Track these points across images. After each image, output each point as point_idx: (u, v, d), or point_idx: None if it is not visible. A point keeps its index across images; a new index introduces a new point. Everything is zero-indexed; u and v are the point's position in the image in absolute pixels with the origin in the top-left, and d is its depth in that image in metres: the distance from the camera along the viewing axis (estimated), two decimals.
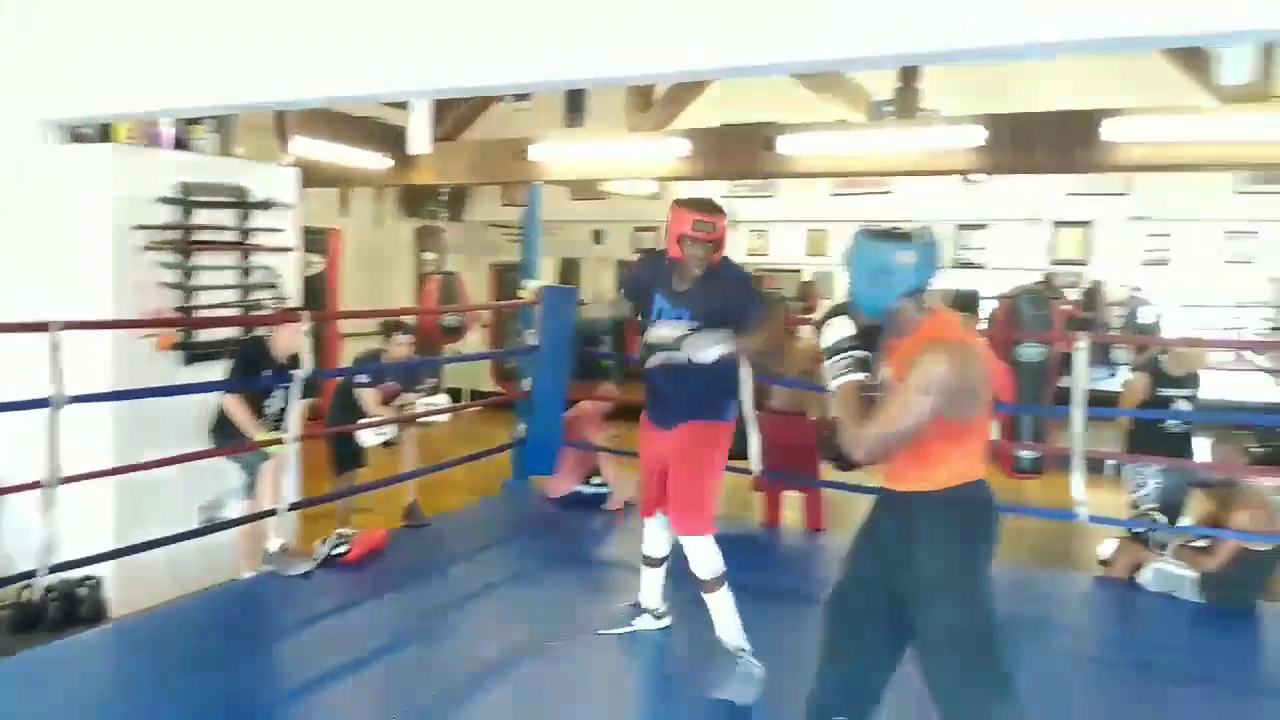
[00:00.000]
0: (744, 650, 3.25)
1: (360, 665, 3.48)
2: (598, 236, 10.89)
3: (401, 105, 4.55)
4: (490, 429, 6.63)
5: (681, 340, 3.12)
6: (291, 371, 4.22)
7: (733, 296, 3.19)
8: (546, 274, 10.04)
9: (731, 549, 5.05)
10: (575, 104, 5.20)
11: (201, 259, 4.72)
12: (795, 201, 9.42)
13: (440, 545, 4.90)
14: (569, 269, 11.47)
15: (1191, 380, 5.17)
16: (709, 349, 3.04)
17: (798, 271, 12.85)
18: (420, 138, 3.20)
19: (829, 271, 10.46)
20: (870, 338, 2.34)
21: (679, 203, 3.23)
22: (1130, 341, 10.95)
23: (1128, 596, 4.43)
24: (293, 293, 5.15)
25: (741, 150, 5.75)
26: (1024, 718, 2.20)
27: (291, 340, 4.33)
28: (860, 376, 2.25)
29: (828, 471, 5.53)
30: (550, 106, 5.96)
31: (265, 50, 3.28)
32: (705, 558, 3.28)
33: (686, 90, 6.12)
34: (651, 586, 3.75)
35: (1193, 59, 4.75)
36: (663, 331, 3.25)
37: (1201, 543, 4.38)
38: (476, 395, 10.25)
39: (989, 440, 2.41)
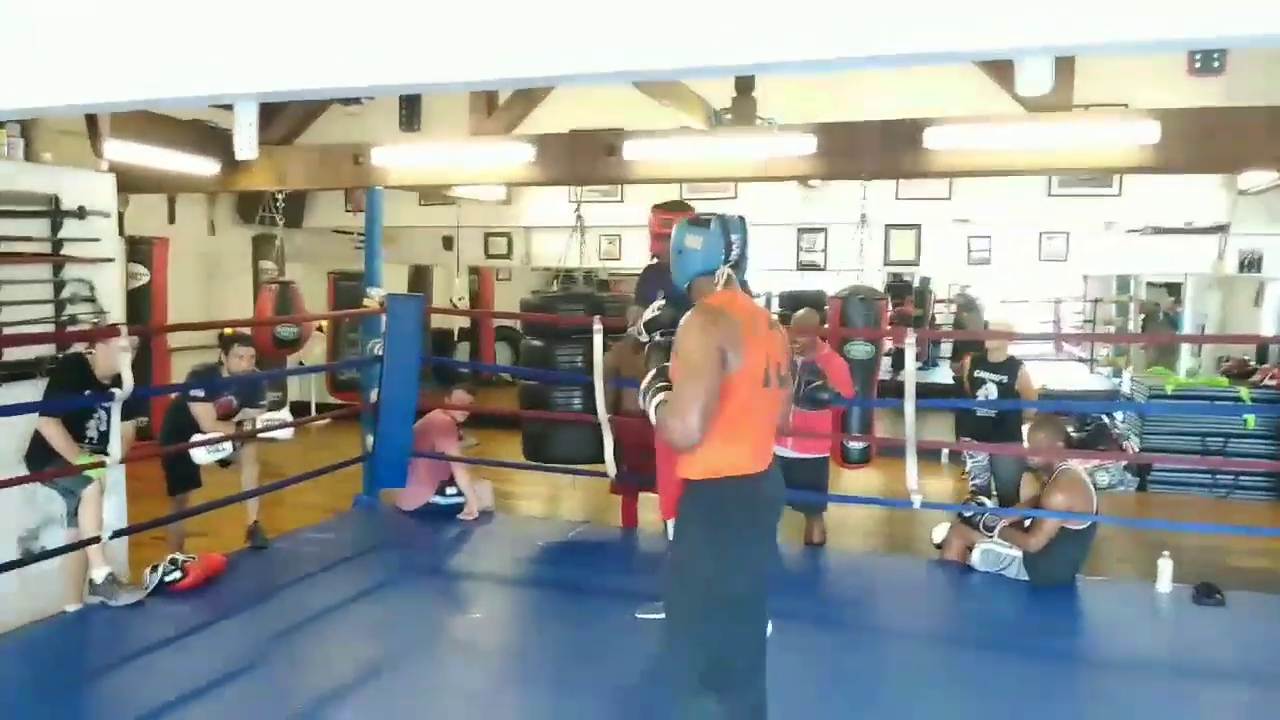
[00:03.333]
0: None
1: (197, 697, 3.31)
2: (448, 243, 10.72)
3: (230, 107, 4.34)
4: (341, 443, 6.42)
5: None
6: (112, 390, 3.98)
7: None
8: (397, 281, 9.81)
9: (593, 552, 5.13)
10: (411, 109, 5.10)
11: (8, 271, 4.37)
12: (645, 206, 9.52)
13: (285, 566, 4.71)
14: (419, 276, 11.24)
15: (1006, 366, 5.63)
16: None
17: None
18: (246, 142, 3.06)
19: None
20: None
21: (653, 207, 3.81)
22: (954, 336, 11.70)
23: (960, 577, 4.71)
24: (113, 306, 4.84)
25: (587, 156, 5.78)
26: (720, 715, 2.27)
27: (111, 358, 4.07)
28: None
29: None
30: (387, 111, 5.83)
31: (74, 49, 3.06)
32: None
33: (531, 96, 6.11)
34: None
35: (1004, 72, 5.08)
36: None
37: (1027, 523, 4.70)
38: (324, 409, 9.91)
39: (769, 431, 2.41)
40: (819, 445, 5.26)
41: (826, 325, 5.85)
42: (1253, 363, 8.97)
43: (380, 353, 5.45)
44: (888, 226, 8.96)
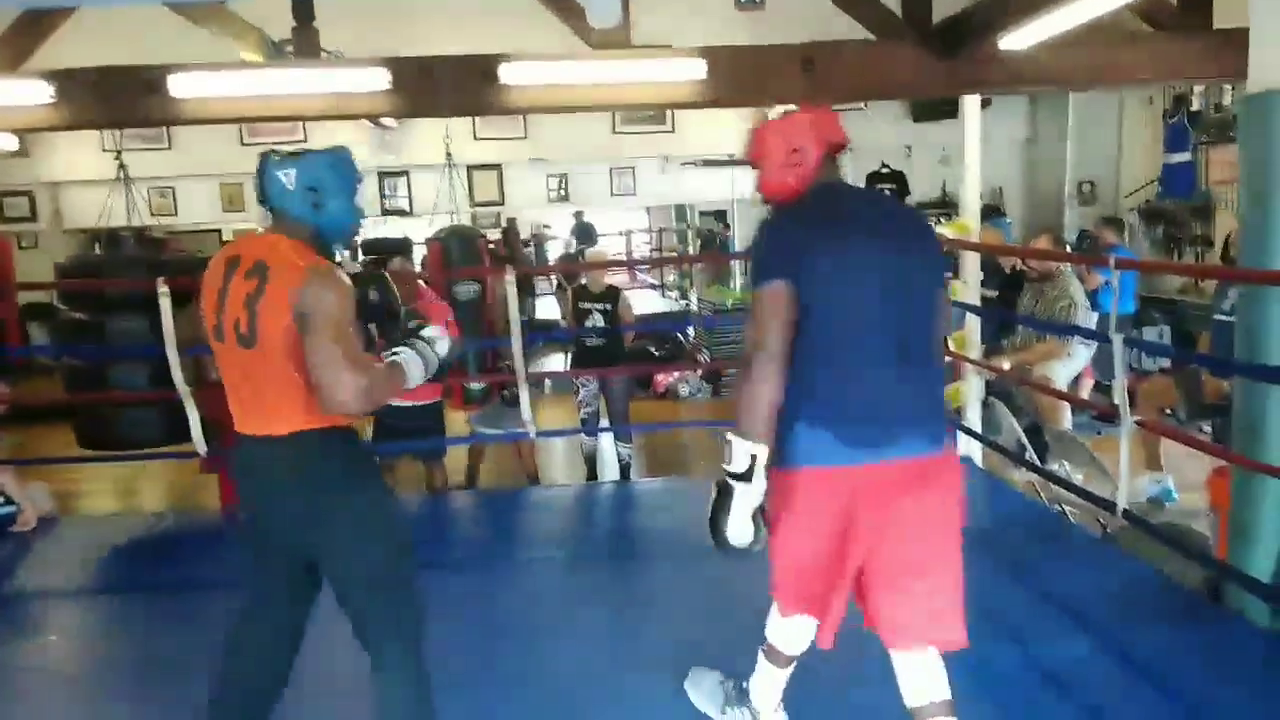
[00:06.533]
0: (748, 703, 2.64)
1: None
2: None
3: None
4: None
5: None
6: None
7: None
8: None
9: (186, 543, 4.58)
10: None
11: None
12: (200, 153, 8.56)
13: None
14: None
15: (607, 295, 6.02)
16: None
17: (217, 231, 11.75)
18: None
19: (254, 228, 9.80)
20: None
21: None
22: (550, 271, 12.20)
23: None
24: None
25: (123, 95, 5.00)
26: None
27: None
28: None
29: None
30: None
31: None
32: (770, 621, 2.55)
33: (40, 25, 5.15)
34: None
35: (572, 11, 5.22)
36: None
37: None
38: None
39: (245, 393, 2.20)
40: (428, 391, 5.16)
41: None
42: None
43: None
44: (470, 167, 8.96)
